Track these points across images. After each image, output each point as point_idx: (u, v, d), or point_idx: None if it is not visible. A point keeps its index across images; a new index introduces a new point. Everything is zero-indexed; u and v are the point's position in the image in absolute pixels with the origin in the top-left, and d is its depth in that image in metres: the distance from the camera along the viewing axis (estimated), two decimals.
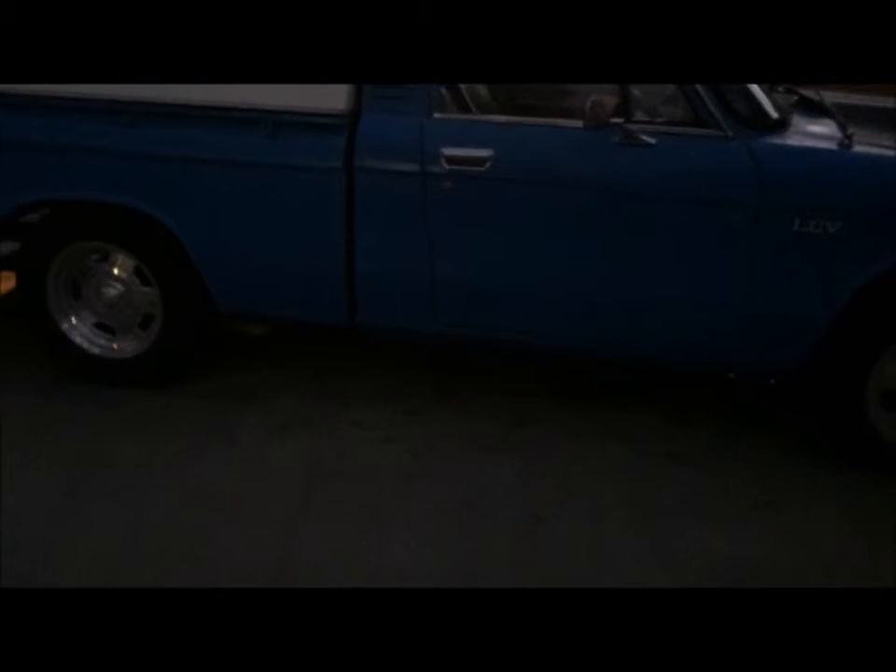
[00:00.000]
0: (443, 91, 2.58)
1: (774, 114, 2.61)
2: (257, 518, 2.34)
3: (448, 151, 2.53)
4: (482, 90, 2.76)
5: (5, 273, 3.35)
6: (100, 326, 3.06)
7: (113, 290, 2.98)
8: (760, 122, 2.52)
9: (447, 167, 2.54)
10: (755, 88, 2.65)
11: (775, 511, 2.45)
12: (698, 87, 2.41)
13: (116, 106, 2.64)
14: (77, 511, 2.35)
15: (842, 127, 2.49)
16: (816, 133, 2.54)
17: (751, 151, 2.41)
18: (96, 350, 3.04)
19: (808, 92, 3.02)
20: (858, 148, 2.44)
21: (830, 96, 2.97)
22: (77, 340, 3.04)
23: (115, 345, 3.05)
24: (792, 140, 2.48)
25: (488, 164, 2.52)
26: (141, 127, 2.67)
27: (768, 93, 2.72)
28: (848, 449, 2.66)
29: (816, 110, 2.81)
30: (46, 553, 2.17)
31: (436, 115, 2.57)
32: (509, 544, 2.27)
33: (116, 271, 2.96)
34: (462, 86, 2.64)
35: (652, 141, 2.44)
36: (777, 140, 2.46)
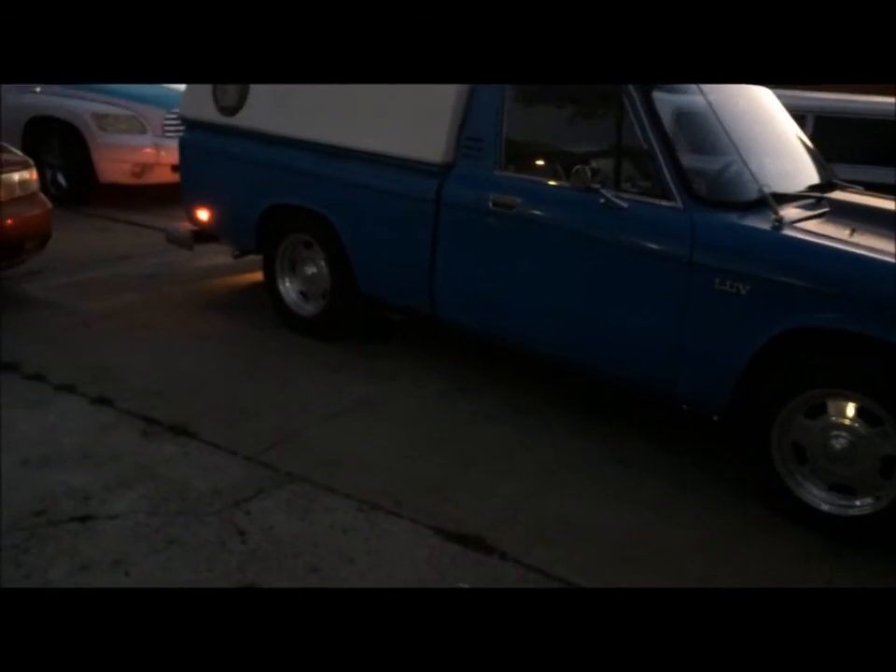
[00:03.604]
0: (504, 154, 3.59)
1: (749, 195, 3.16)
2: (302, 409, 3.56)
3: (494, 196, 3.55)
4: (527, 154, 3.68)
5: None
6: (302, 293, 4.56)
7: (311, 269, 4.46)
8: (717, 199, 3.12)
9: (493, 207, 3.56)
10: (742, 172, 3.22)
11: (647, 507, 2.99)
12: (663, 166, 3.12)
13: (317, 147, 4.11)
14: (219, 382, 3.80)
15: (773, 213, 2.98)
16: (766, 217, 3.03)
17: (692, 222, 3.04)
18: (294, 307, 4.53)
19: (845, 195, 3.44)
20: (785, 232, 2.93)
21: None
22: (286, 299, 4.57)
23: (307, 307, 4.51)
24: (732, 218, 3.04)
25: (517, 208, 3.49)
26: (329, 160, 4.11)
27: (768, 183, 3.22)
28: (761, 489, 3.05)
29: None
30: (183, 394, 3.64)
31: (496, 171, 3.61)
32: (436, 460, 3.19)
33: (313, 256, 4.43)
34: (516, 151, 3.60)
35: (624, 205, 3.20)
36: (718, 216, 3.05)
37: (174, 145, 7.02)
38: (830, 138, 5.03)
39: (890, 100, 5.43)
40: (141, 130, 6.99)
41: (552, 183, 3.48)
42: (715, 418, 3.19)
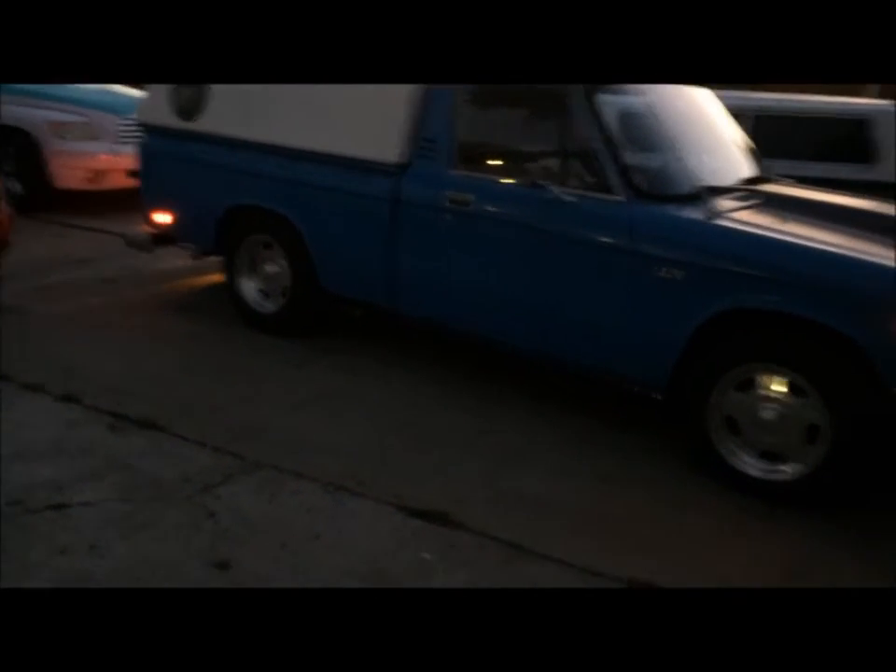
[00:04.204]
0: (458, 154, 3.77)
1: (686, 189, 3.37)
2: (267, 402, 3.69)
3: (448, 194, 3.73)
4: (479, 153, 3.86)
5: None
6: (263, 292, 4.67)
7: (272, 268, 4.58)
8: (656, 193, 3.33)
9: (448, 205, 3.73)
10: (680, 167, 3.44)
11: (597, 480, 3.19)
12: (606, 163, 3.33)
13: (277, 149, 4.25)
14: (184, 379, 3.91)
15: (707, 205, 3.20)
16: (701, 208, 3.24)
17: (634, 214, 3.25)
18: (255, 306, 4.65)
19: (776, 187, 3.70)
20: (717, 221, 3.16)
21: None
22: (247, 298, 4.68)
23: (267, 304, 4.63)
24: (669, 210, 3.26)
25: (471, 205, 3.67)
26: (289, 162, 4.24)
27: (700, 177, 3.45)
28: (699, 459, 3.27)
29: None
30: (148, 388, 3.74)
31: (450, 170, 3.78)
32: (398, 444, 3.34)
33: (273, 256, 4.55)
34: (468, 151, 3.78)
35: (571, 199, 3.40)
36: (657, 209, 3.26)
37: (129, 151, 7.13)
38: (768, 135, 5.32)
39: (825, 98, 5.74)
40: (96, 136, 7.05)
41: (503, 180, 3.66)
42: (658, 397, 3.40)
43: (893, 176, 5.22)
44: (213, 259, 4.98)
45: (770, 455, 3.10)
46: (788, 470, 3.06)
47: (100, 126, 7.05)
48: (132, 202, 5.28)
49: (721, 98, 4.40)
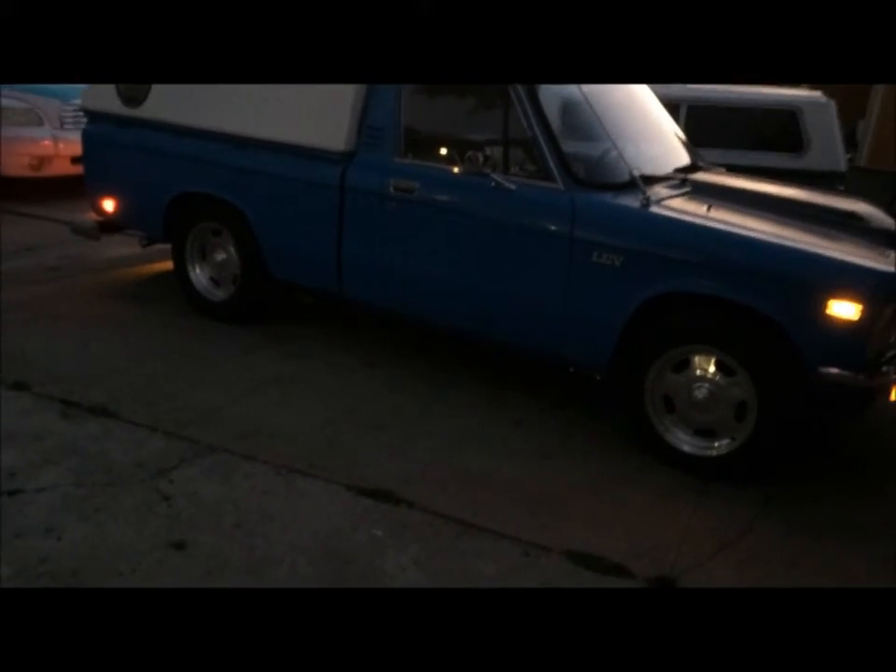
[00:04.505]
0: (403, 143, 3.86)
1: (622, 177, 3.51)
2: (218, 388, 3.75)
3: (394, 182, 3.81)
4: (424, 142, 3.96)
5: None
6: (213, 279, 4.71)
7: (221, 256, 4.62)
8: (594, 181, 3.47)
9: (393, 192, 3.82)
10: (616, 157, 3.58)
11: (540, 458, 3.34)
12: (546, 152, 3.45)
13: (224, 137, 4.28)
14: (134, 366, 3.94)
15: (643, 192, 3.35)
16: (636, 196, 3.39)
17: (573, 202, 3.39)
18: (205, 293, 4.68)
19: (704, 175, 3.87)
20: (651, 209, 3.31)
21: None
22: (197, 286, 4.71)
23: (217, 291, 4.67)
24: (606, 198, 3.40)
25: (415, 192, 3.76)
26: (237, 150, 4.28)
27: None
28: (636, 437, 3.43)
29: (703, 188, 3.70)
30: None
31: (395, 158, 3.87)
32: (348, 427, 3.44)
33: (223, 243, 4.59)
34: (414, 139, 3.88)
35: (513, 187, 3.51)
36: (594, 196, 3.40)
37: (73, 137, 7.03)
38: (701, 125, 5.52)
39: (756, 89, 5.95)
40: (38, 122, 6.95)
41: (447, 168, 3.75)
42: (598, 377, 3.55)
43: (822, 164, 5.46)
44: (161, 247, 4.98)
45: (703, 432, 3.27)
46: (718, 446, 3.23)
47: (43, 111, 6.94)
48: (77, 189, 5.24)
49: (654, 89, 4.56)
